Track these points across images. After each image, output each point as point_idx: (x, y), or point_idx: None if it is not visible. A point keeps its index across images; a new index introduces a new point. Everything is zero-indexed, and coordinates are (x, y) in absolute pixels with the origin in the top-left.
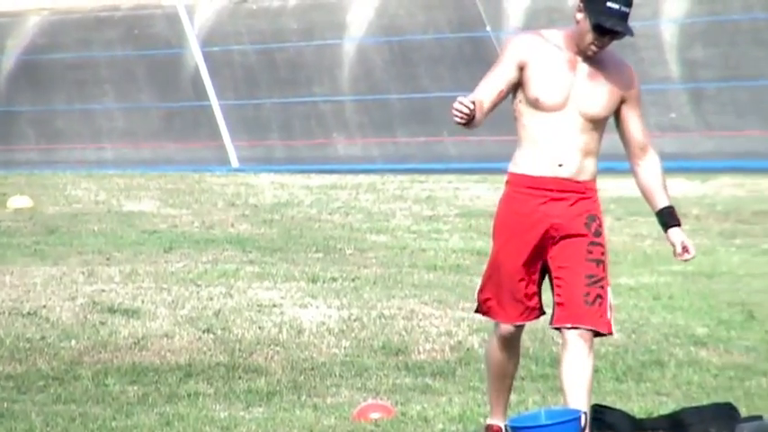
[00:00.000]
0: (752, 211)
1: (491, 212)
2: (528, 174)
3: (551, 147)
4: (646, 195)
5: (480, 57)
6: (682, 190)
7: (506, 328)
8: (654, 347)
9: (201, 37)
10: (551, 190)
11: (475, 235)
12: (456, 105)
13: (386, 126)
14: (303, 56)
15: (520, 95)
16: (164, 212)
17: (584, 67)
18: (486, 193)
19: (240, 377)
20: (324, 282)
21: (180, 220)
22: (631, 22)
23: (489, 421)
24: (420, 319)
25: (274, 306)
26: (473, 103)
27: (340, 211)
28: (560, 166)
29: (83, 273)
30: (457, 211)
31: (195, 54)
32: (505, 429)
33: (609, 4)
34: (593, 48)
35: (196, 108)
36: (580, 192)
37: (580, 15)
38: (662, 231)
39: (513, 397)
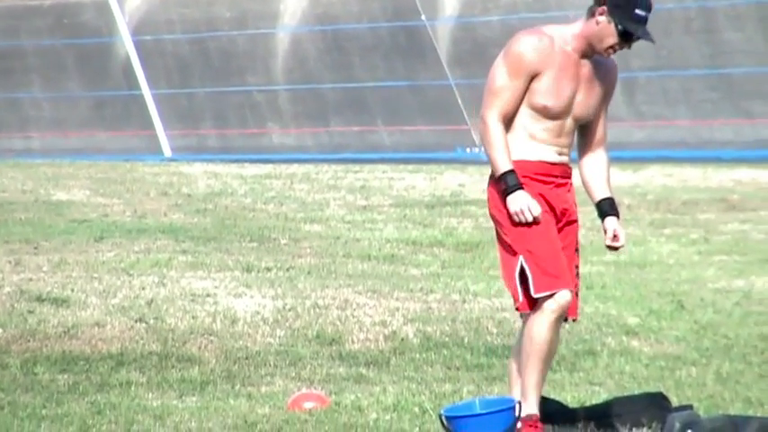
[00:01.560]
0: (681, 201)
1: (426, 202)
2: (530, 160)
3: (550, 140)
4: (590, 185)
5: (415, 46)
6: (615, 180)
7: (567, 296)
8: (587, 337)
9: (132, 26)
10: (556, 176)
11: (409, 225)
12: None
13: (320, 116)
14: (236, 45)
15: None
16: (94, 202)
17: (585, 72)
18: (422, 183)
19: (173, 366)
20: (258, 271)
21: (111, 209)
22: (566, 11)
23: (530, 411)
24: (354, 309)
25: (208, 295)
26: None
27: (274, 200)
28: (560, 154)
29: (9, 262)
30: (391, 200)
31: (126, 43)
32: (440, 419)
33: (637, 11)
34: (612, 51)
35: (127, 97)
36: (571, 178)
37: (603, 18)
38: (597, 221)
39: (447, 386)
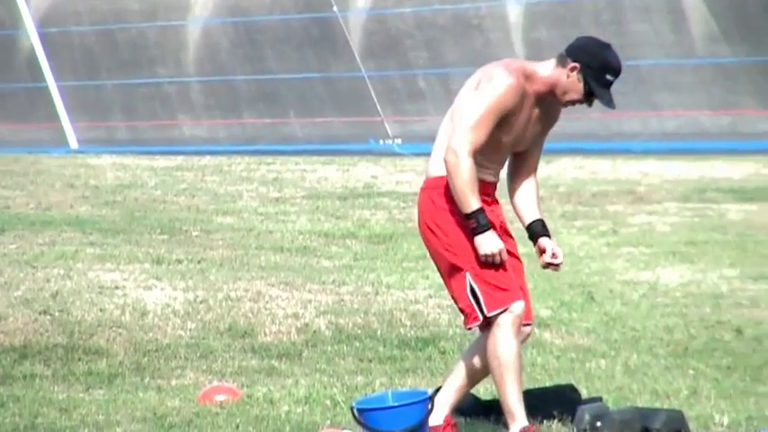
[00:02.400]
0: (591, 193)
1: (339, 194)
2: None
3: (489, 164)
4: (521, 208)
5: (327, 37)
6: None
7: (520, 306)
8: None
9: (38, 18)
10: (491, 193)
11: (322, 217)
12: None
13: (232, 107)
14: (146, 37)
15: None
16: None
17: (539, 111)
18: (334, 175)
19: (80, 359)
20: (169, 263)
21: (13, 201)
22: (477, 3)
23: (522, 425)
24: (267, 301)
25: (116, 288)
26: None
27: (186, 192)
28: (495, 175)
29: None
30: (304, 192)
31: (31, 35)
32: (352, 411)
33: (608, 76)
34: (570, 104)
35: (32, 89)
36: None
37: (573, 74)
38: (508, 214)
39: (360, 379)
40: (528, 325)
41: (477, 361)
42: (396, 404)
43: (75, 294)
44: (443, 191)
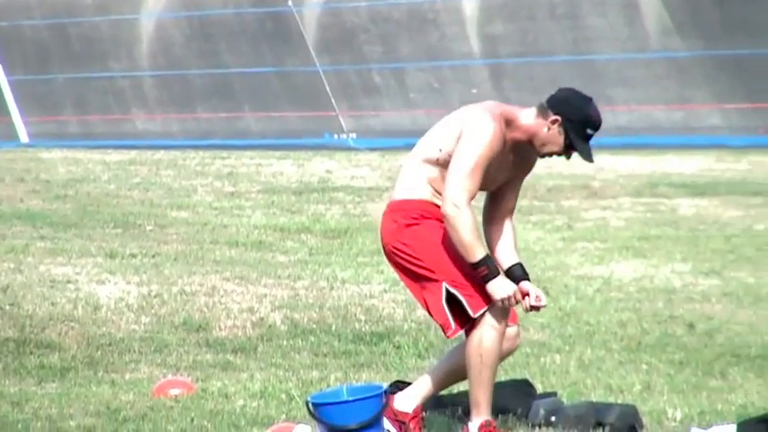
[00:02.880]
0: (546, 188)
1: (294, 189)
2: (435, 203)
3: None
4: (500, 252)
5: (282, 32)
6: None
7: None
8: None
9: None
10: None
11: (277, 211)
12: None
13: (186, 102)
14: (99, 31)
15: None
16: None
17: (512, 157)
18: (289, 169)
19: (32, 353)
20: (122, 258)
21: None
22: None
23: (487, 417)
24: (221, 296)
25: (69, 282)
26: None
27: (139, 186)
28: None
29: None
30: (259, 187)
31: None
32: (307, 406)
33: (588, 130)
34: (548, 156)
35: None
36: None
37: (555, 126)
38: None
39: (315, 373)
40: (514, 325)
41: (461, 362)
42: (350, 399)
43: (26, 288)
44: (406, 211)
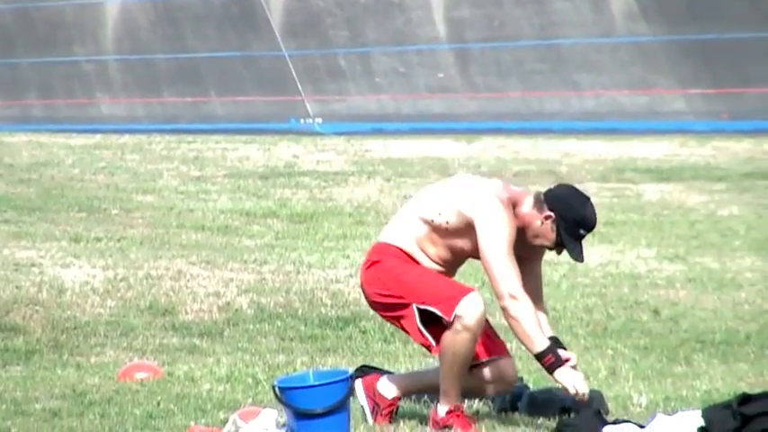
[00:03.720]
0: (513, 172)
1: (260, 173)
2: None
3: (443, 265)
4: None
5: (247, 16)
6: (449, 151)
7: (475, 298)
8: None
9: None
10: None
11: (243, 195)
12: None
13: (152, 86)
14: (63, 15)
15: (464, 231)
16: None
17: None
18: (255, 154)
19: None
20: (87, 242)
21: None
22: None
23: (457, 402)
24: (188, 280)
25: (33, 265)
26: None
27: (104, 170)
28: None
29: None
30: (225, 171)
31: None
32: (273, 390)
33: (581, 230)
34: (539, 247)
35: None
36: None
37: (548, 222)
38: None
39: (281, 358)
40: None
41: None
42: (317, 383)
43: None
44: (377, 253)
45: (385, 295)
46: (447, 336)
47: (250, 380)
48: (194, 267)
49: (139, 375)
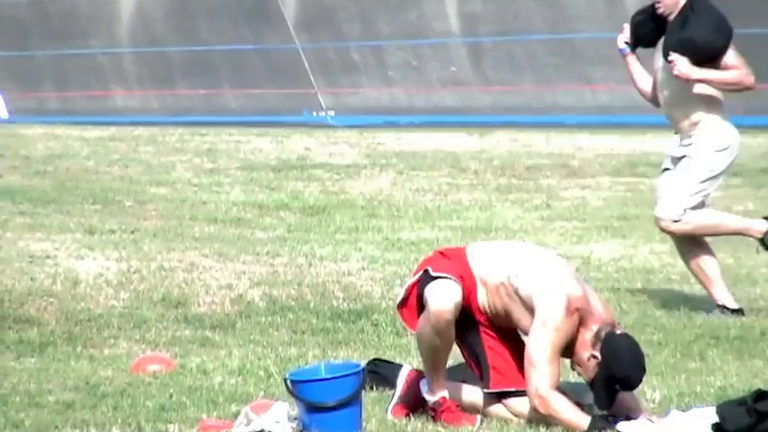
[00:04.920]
0: (525, 167)
1: (272, 165)
2: None
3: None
4: None
5: (262, 9)
6: (461, 144)
7: (458, 296)
8: None
9: None
10: None
11: (257, 188)
12: None
13: (166, 78)
14: (78, 8)
15: (525, 305)
16: None
17: None
18: (268, 146)
19: (10, 327)
20: (101, 233)
21: None
22: None
23: (443, 394)
24: (200, 272)
25: (48, 257)
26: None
27: (119, 163)
28: None
29: None
30: (238, 163)
31: None
32: (285, 383)
33: (617, 386)
34: (576, 366)
35: None
36: None
37: (593, 361)
38: (444, 186)
39: (293, 350)
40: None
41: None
42: (329, 376)
43: (5, 263)
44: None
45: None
46: (423, 318)
47: (262, 372)
48: (207, 260)
49: (152, 368)
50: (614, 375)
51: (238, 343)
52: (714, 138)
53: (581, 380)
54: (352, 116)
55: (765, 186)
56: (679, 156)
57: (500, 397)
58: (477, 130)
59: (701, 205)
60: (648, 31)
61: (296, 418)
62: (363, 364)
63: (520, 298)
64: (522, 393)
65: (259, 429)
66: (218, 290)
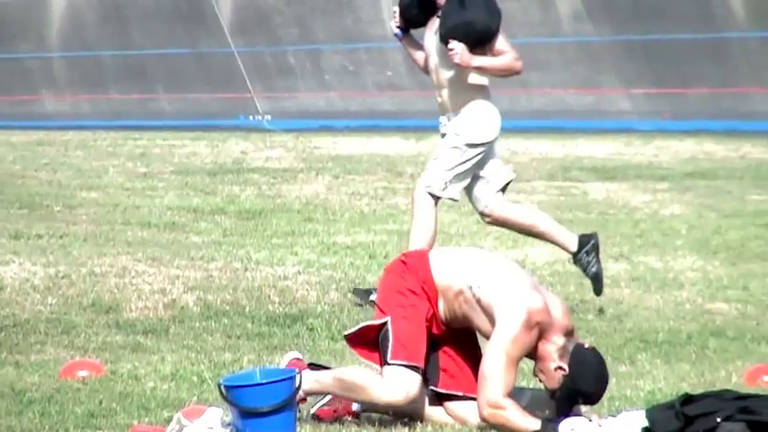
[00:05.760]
0: None
1: (208, 169)
2: None
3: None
4: None
5: (196, 13)
6: (397, 149)
7: (416, 387)
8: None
9: None
10: None
11: (191, 192)
12: None
13: (98, 83)
14: (7, 12)
15: (486, 314)
16: None
17: None
18: (204, 150)
19: None
20: (28, 238)
21: None
22: None
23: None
24: (133, 277)
25: None
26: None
27: (47, 167)
28: None
29: None
30: (173, 168)
31: None
32: (219, 388)
33: (580, 400)
34: (545, 375)
35: None
36: None
37: (559, 373)
38: (380, 190)
39: (227, 356)
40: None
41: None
42: (263, 381)
43: None
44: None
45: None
46: (369, 376)
47: (195, 378)
48: (140, 264)
49: (81, 373)
50: (580, 389)
51: (171, 348)
52: (479, 118)
53: (515, 384)
54: (289, 120)
55: (691, 190)
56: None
57: (441, 399)
58: (414, 134)
59: (464, 179)
60: (416, 13)
61: (229, 424)
62: (298, 369)
63: (481, 308)
64: (466, 398)
65: None
66: (150, 295)
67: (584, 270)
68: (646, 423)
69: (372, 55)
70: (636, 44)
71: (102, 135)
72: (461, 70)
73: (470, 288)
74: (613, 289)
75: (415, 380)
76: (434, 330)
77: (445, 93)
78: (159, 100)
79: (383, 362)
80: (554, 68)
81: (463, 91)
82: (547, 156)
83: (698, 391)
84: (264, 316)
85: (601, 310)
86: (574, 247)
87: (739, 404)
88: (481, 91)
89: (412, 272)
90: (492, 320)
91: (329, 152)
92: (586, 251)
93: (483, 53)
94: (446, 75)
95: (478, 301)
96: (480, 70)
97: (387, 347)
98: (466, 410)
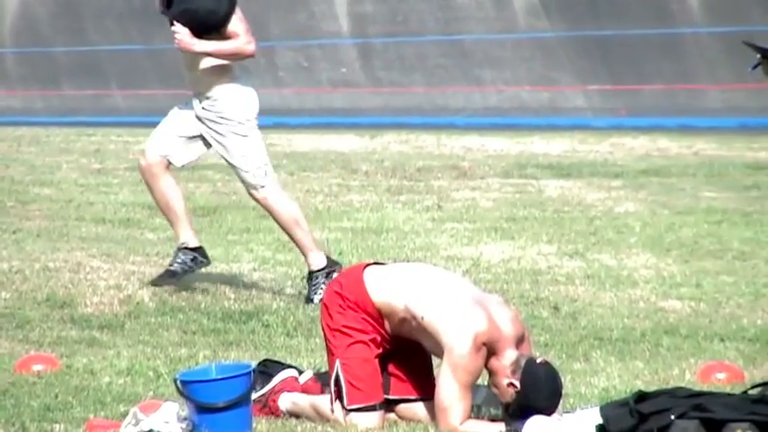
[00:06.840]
0: (416, 168)
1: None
2: None
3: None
4: None
5: (150, 9)
6: (352, 146)
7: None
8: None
9: None
10: None
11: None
12: None
13: (51, 79)
14: None
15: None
16: None
17: None
18: None
19: None
20: None
21: None
22: None
23: None
24: (87, 272)
25: None
26: None
27: None
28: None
29: None
30: (127, 164)
31: None
32: (175, 383)
33: (532, 411)
34: (498, 390)
35: None
36: None
37: (511, 389)
38: (334, 187)
39: (183, 351)
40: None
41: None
42: (219, 377)
43: None
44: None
45: (330, 332)
46: (342, 414)
47: (151, 373)
48: (94, 260)
49: (36, 367)
50: (532, 405)
51: (127, 343)
52: (234, 100)
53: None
54: None
55: (645, 188)
56: (203, 117)
57: (392, 404)
58: (368, 131)
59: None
60: None
61: (186, 419)
62: (254, 364)
63: (427, 334)
64: (417, 401)
65: (147, 429)
66: (106, 290)
67: (310, 291)
68: (600, 420)
69: (326, 51)
70: (591, 40)
71: (56, 131)
72: (197, 55)
73: (413, 315)
74: (568, 286)
75: (375, 417)
76: (384, 349)
77: (192, 74)
78: (113, 96)
79: (340, 403)
80: (509, 65)
81: (208, 73)
82: (502, 153)
83: (652, 388)
84: (220, 312)
85: (555, 308)
86: (319, 265)
87: (693, 401)
88: (226, 73)
89: (350, 303)
90: (438, 344)
91: (284, 149)
92: (326, 274)
93: (220, 38)
94: (189, 57)
95: (424, 330)
96: (206, 54)
97: (342, 394)
98: (416, 410)
